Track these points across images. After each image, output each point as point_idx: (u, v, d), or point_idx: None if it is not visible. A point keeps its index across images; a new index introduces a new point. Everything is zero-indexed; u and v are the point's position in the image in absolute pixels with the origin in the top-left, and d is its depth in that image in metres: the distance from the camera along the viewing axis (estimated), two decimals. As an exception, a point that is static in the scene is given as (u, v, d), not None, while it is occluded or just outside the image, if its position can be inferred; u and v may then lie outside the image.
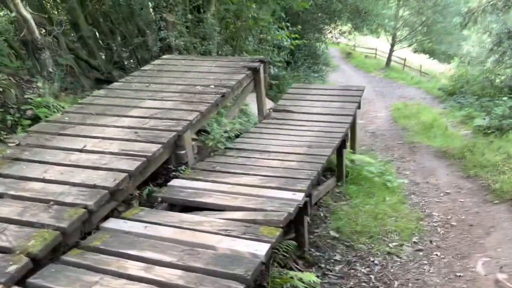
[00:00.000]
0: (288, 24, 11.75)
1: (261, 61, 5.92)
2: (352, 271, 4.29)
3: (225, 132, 4.62)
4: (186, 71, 5.61)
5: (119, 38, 7.18)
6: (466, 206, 6.48)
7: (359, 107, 7.06)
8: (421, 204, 6.50)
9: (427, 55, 34.40)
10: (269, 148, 4.76)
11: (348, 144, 7.08)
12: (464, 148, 8.25)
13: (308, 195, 3.92)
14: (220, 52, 9.28)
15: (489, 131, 10.14)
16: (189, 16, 7.28)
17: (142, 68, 5.89)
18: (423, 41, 31.17)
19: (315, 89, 7.14)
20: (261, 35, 10.76)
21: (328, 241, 4.64)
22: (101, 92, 5.06)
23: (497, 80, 16.80)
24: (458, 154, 8.18)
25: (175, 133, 3.92)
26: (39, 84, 5.50)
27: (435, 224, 5.86)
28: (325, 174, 6.37)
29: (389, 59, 30.51)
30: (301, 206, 3.44)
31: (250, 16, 9.53)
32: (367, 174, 6.38)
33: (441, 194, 6.94)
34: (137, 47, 6.94)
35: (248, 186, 3.71)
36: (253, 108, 6.48)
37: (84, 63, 6.88)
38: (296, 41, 11.83)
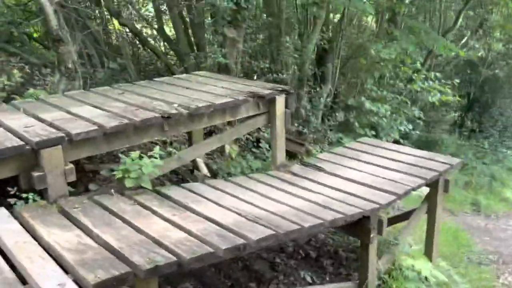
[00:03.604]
0: (438, 74, 9.22)
1: (283, 90, 4.29)
2: None
3: (143, 166, 3.22)
4: (186, 87, 4.45)
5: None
6: None
7: (446, 191, 4.58)
8: None
9: None
10: (205, 207, 3.15)
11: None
12: None
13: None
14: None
15: None
16: (260, 36, 6.10)
17: (155, 79, 5.01)
18: None
19: (384, 149, 4.91)
20: (392, 81, 8.68)
21: None
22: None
23: None
24: None
25: (22, 143, 2.83)
26: (54, 80, 5.20)
27: None
28: (340, 271, 4.19)
29: None
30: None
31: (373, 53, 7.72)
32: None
33: None
34: (190, 64, 6.13)
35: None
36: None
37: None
38: (446, 96, 9.21)
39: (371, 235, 3.63)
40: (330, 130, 8.24)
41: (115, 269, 2.14)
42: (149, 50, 8.05)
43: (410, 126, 9.17)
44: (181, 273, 3.35)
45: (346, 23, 8.94)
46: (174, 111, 3.52)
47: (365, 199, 3.63)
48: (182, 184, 3.68)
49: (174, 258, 2.31)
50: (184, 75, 5.27)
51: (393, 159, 4.55)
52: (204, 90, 4.29)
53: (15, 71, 4.56)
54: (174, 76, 5.20)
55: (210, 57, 5.68)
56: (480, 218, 9.05)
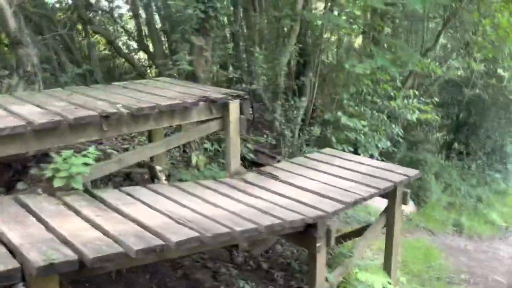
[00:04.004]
0: (416, 92, 9.17)
1: (237, 95, 4.20)
2: None
3: (72, 165, 3.09)
4: (139, 91, 4.35)
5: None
6: None
7: (404, 203, 4.45)
8: None
9: None
10: (135, 209, 3.01)
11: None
12: None
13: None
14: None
15: None
16: (230, 45, 6.04)
17: (113, 83, 4.90)
18: None
19: (344, 159, 4.79)
20: (370, 98, 8.62)
21: None
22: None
23: None
24: None
25: None
26: (12, 83, 5.11)
27: None
28: (291, 284, 4.01)
29: None
30: None
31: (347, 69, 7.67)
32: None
33: None
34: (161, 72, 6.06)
35: None
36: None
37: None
38: (425, 115, 9.15)
39: (318, 244, 3.48)
40: (307, 145, 8.13)
41: (3, 264, 1.99)
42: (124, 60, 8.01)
43: (388, 143, 9.05)
44: (110, 279, 3.19)
45: (326, 39, 8.96)
46: (113, 110, 3.41)
47: (311, 206, 3.49)
48: (120, 187, 3.54)
49: (76, 257, 2.16)
50: (144, 80, 5.19)
51: (349, 169, 4.43)
52: (156, 93, 4.18)
53: (-31, 72, 4.47)
54: (134, 81, 5.11)
55: (176, 65, 5.60)
56: (461, 239, 8.86)
